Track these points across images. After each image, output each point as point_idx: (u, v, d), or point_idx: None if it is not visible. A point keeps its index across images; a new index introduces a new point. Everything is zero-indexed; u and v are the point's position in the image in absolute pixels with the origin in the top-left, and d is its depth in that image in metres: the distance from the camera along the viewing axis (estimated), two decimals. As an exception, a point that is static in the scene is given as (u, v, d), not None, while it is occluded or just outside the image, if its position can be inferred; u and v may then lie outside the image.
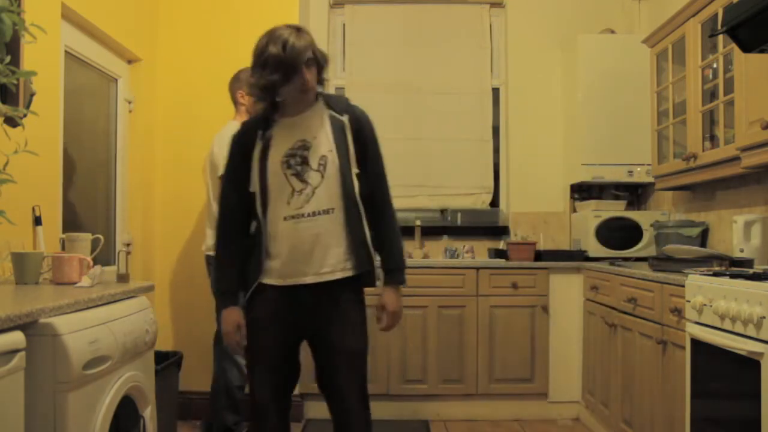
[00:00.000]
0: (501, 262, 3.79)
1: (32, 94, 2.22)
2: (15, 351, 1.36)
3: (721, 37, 2.66)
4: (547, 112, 4.26)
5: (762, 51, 2.25)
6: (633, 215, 3.84)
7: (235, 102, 3.09)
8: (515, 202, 4.26)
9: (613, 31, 4.09)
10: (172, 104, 3.66)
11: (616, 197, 4.10)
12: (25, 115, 2.08)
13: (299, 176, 2.02)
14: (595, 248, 3.79)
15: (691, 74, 3.01)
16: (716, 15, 2.74)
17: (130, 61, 3.44)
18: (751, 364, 1.83)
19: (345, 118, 2.10)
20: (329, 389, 2.11)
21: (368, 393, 2.13)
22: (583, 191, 4.19)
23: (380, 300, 2.16)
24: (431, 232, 4.24)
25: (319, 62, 2.06)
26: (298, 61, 1.97)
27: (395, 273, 2.16)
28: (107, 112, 3.34)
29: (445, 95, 4.31)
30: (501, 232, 4.27)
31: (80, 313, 1.67)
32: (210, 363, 3.14)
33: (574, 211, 4.20)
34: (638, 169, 3.83)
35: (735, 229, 2.84)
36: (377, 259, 2.14)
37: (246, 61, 2.08)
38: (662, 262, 2.88)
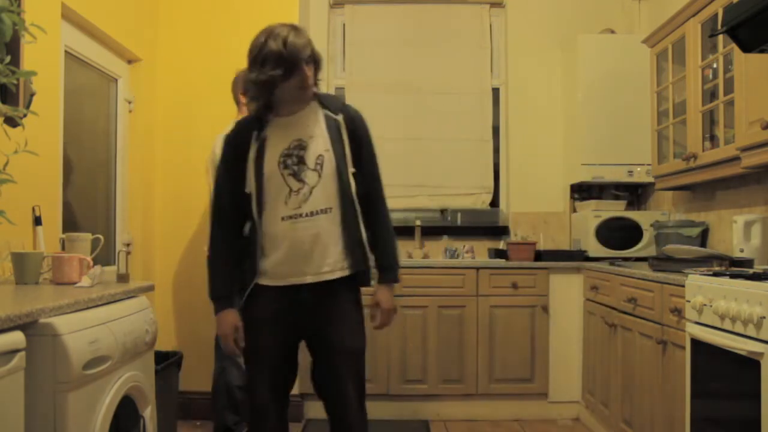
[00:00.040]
0: (501, 262, 3.79)
1: (32, 94, 2.22)
2: (15, 351, 1.36)
3: (721, 37, 2.66)
4: (547, 112, 4.26)
5: (762, 51, 2.25)
6: (633, 215, 3.84)
7: (238, 102, 3.10)
8: (515, 202, 4.26)
9: (613, 31, 4.09)
10: (172, 104, 3.66)
11: (616, 197, 4.10)
12: (25, 115, 2.08)
13: (296, 176, 2.02)
14: (595, 248, 3.79)
15: (691, 74, 3.01)
16: (716, 15, 2.74)
17: (130, 61, 3.44)
18: (751, 364, 1.83)
19: (340, 117, 2.10)
20: (328, 389, 2.11)
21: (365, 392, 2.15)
22: (583, 191, 4.19)
23: (374, 298, 2.17)
24: (431, 232, 4.24)
25: (316, 61, 2.06)
26: (298, 58, 1.97)
27: (389, 271, 2.17)
28: (107, 112, 3.34)
29: (445, 95, 4.31)
30: (501, 232, 4.27)
31: (80, 313, 1.67)
32: (210, 363, 3.14)
33: (574, 211, 4.20)
34: (638, 169, 3.83)
35: (735, 229, 2.84)
36: (371, 258, 2.15)
37: (246, 61, 2.08)
38: (662, 262, 2.88)
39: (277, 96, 2.01)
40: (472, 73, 4.32)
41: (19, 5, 1.96)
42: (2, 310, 1.36)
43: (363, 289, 2.16)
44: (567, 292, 3.68)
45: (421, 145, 4.30)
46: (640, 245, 3.79)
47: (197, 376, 3.43)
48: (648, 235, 3.75)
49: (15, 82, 1.96)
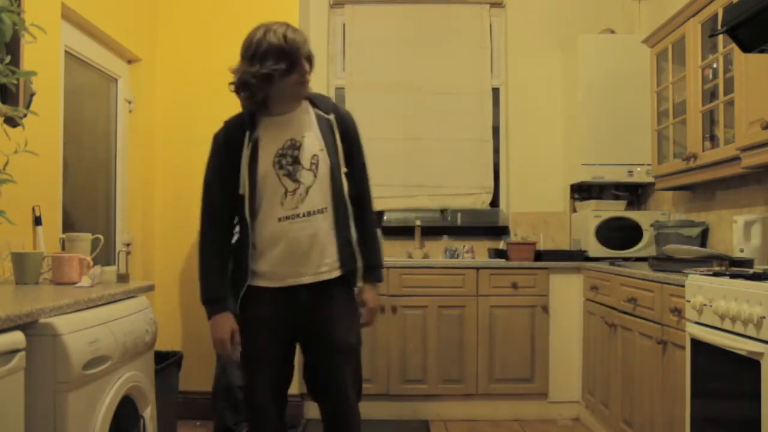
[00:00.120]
0: (501, 262, 3.79)
1: (32, 94, 2.22)
2: (15, 351, 1.36)
3: (721, 37, 2.66)
4: (547, 112, 4.26)
5: (762, 51, 2.25)
6: (633, 215, 3.84)
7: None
8: (515, 202, 4.26)
9: (613, 31, 4.09)
10: (172, 104, 3.66)
11: (616, 197, 4.10)
12: (25, 115, 2.08)
13: (291, 176, 2.01)
14: (595, 248, 3.79)
15: (691, 74, 3.01)
16: (716, 15, 2.74)
17: (130, 61, 3.44)
18: (751, 364, 1.83)
19: (332, 117, 2.10)
20: (328, 389, 2.10)
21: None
22: (583, 191, 4.19)
23: (360, 297, 2.18)
24: (431, 232, 4.24)
25: (311, 59, 2.05)
26: (299, 53, 1.96)
27: (375, 271, 2.19)
28: (107, 112, 3.34)
29: (445, 95, 4.31)
30: (501, 232, 4.27)
31: (80, 313, 1.67)
32: (210, 363, 3.14)
33: (574, 211, 4.20)
34: (638, 169, 3.83)
35: (735, 229, 2.84)
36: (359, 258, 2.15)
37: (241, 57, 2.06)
38: (662, 262, 2.88)
39: (274, 93, 1.99)
40: (472, 73, 4.32)
41: (19, 5, 1.96)
42: (2, 310, 1.36)
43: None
44: (567, 292, 3.68)
45: (421, 145, 4.30)
46: (640, 245, 3.79)
47: (197, 376, 3.43)
48: (648, 235, 3.75)
49: (15, 82, 1.96)
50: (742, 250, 2.79)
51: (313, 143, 2.04)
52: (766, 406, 1.76)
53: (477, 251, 4.16)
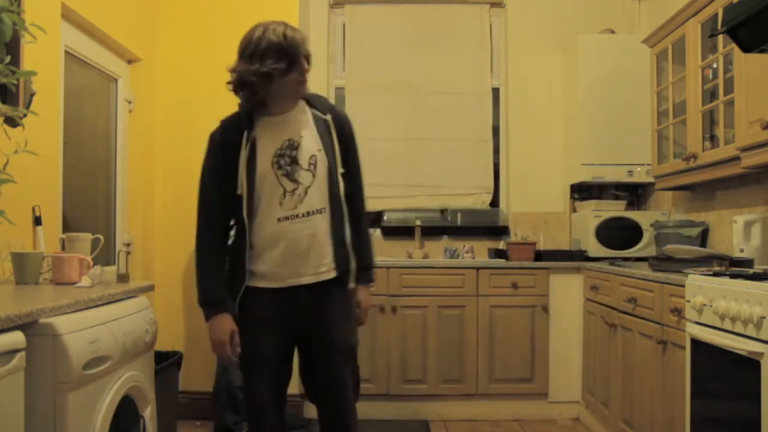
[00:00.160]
0: (501, 262, 3.79)
1: (32, 94, 2.22)
2: (15, 351, 1.36)
3: (721, 37, 2.66)
4: (547, 112, 4.26)
5: (762, 51, 2.25)
6: (633, 215, 3.84)
7: None
8: (515, 202, 4.26)
9: (613, 31, 4.09)
10: (172, 104, 3.66)
11: (616, 197, 4.10)
12: (25, 115, 2.08)
13: (289, 176, 2.00)
14: (595, 248, 3.79)
15: (691, 74, 3.01)
16: (716, 15, 2.74)
17: (130, 61, 3.44)
18: (751, 364, 1.83)
19: (329, 118, 2.09)
20: (328, 388, 2.10)
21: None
22: (583, 191, 4.19)
23: (354, 297, 2.17)
24: (431, 232, 4.25)
25: (309, 59, 2.04)
26: (298, 51, 1.96)
27: (368, 271, 2.19)
28: (107, 112, 3.34)
29: (445, 95, 4.31)
30: (501, 232, 4.27)
31: (80, 313, 1.67)
32: (210, 363, 3.14)
33: (574, 211, 4.20)
34: (638, 169, 3.83)
35: (735, 229, 2.84)
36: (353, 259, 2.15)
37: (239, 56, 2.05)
38: (662, 262, 2.88)
39: (273, 91, 1.98)
40: (472, 73, 4.32)
41: (19, 5, 1.96)
42: (2, 310, 1.36)
43: None
44: (567, 292, 3.68)
45: (421, 145, 4.29)
46: (640, 245, 3.79)
47: (197, 376, 3.43)
48: (648, 235, 3.75)
49: (15, 82, 1.96)
50: (742, 250, 2.79)
51: (310, 143, 2.04)
52: (766, 406, 1.76)
53: (477, 251, 4.16)
